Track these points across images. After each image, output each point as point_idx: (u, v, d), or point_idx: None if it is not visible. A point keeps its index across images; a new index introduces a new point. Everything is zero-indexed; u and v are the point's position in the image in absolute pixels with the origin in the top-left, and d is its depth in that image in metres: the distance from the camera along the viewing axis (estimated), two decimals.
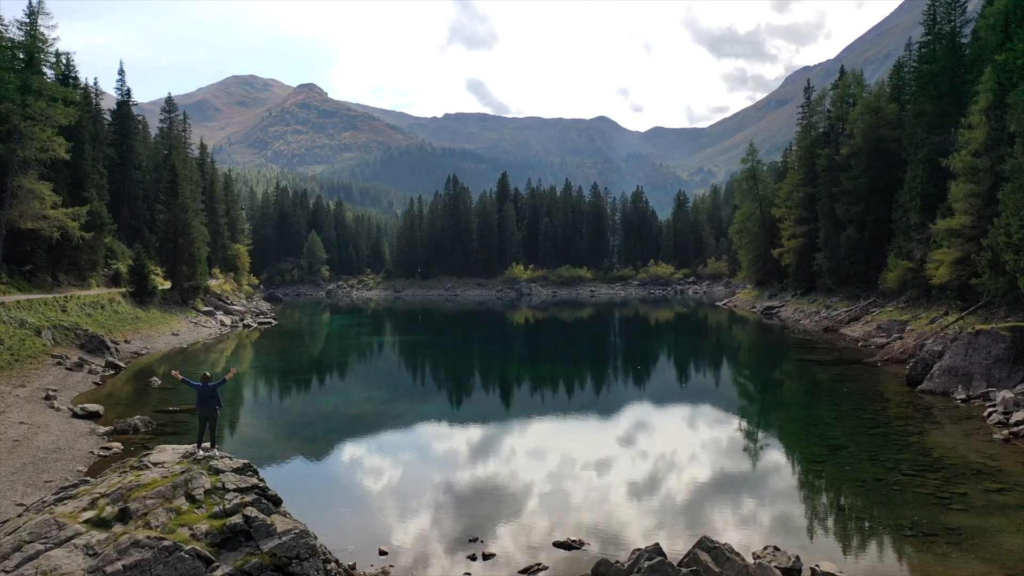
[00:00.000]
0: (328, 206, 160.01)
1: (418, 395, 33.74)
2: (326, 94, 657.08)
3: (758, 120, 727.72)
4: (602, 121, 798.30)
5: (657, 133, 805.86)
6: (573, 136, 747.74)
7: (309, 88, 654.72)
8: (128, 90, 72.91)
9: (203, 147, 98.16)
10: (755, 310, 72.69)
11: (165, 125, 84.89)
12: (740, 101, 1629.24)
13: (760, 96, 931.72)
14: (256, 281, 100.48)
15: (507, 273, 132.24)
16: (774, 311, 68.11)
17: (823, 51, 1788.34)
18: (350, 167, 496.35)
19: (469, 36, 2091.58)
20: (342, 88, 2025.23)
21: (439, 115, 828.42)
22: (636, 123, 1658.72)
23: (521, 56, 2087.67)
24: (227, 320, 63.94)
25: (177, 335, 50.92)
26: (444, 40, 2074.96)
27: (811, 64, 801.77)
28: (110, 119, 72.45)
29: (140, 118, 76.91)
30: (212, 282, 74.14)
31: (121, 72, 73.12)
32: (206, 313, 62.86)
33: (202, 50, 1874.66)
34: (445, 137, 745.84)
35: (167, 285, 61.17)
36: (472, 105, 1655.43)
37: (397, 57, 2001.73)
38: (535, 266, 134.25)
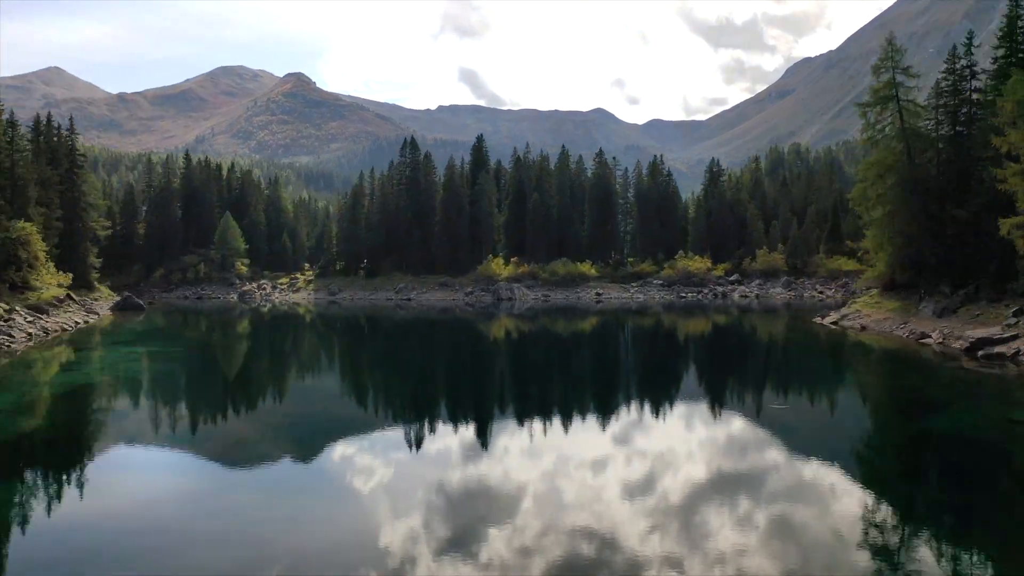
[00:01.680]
0: (259, 184, 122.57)
1: None
2: (314, 83, 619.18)
3: (759, 112, 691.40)
4: (599, 113, 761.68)
5: (655, 126, 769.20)
6: (569, 128, 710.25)
7: (297, 78, 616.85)
8: None
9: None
10: (925, 339, 35.96)
11: None
12: (738, 92, 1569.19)
13: (759, 88, 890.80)
14: (87, 279, 63.08)
15: (482, 269, 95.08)
16: (994, 349, 31.18)
17: (824, 41, 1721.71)
18: (336, 158, 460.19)
19: (462, 26, 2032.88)
20: (334, 81, 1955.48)
21: (432, 107, 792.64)
22: (633, 116, 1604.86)
23: (515, 47, 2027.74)
24: None
25: None
26: (437, 31, 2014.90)
27: (812, 55, 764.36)
28: None
29: None
30: None
31: None
32: None
33: (192, 44, 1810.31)
34: (439, 129, 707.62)
35: None
36: (466, 97, 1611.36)
37: (389, 49, 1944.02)
38: (520, 259, 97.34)
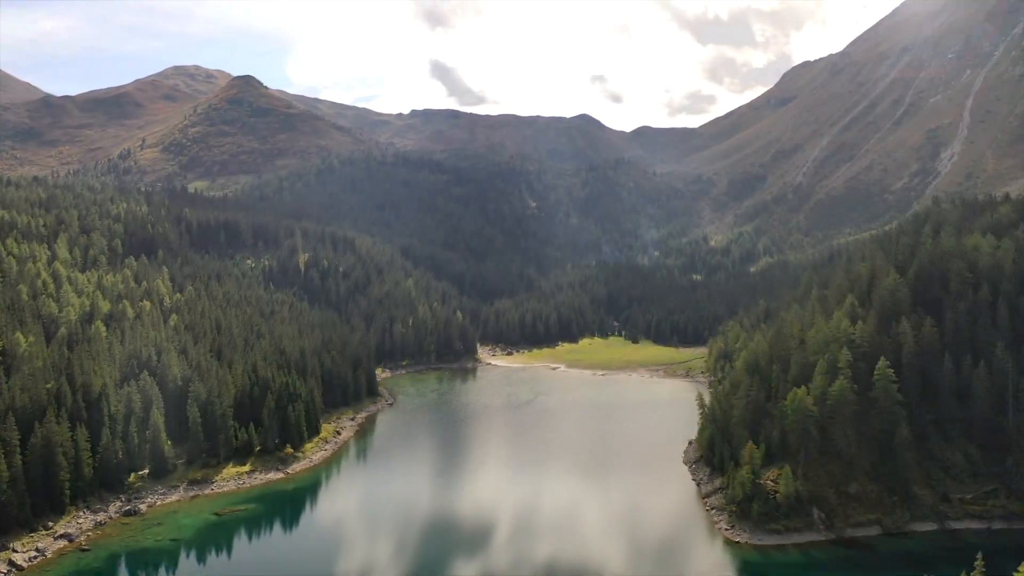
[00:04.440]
0: None
1: None
2: (264, 88, 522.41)
3: (757, 120, 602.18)
4: (584, 120, 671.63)
5: (644, 134, 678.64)
6: (552, 136, 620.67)
7: (244, 81, 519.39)
8: None
9: None
10: None
11: None
12: (726, 92, 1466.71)
13: (749, 86, 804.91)
14: None
15: None
16: None
17: (818, 38, 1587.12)
18: (278, 180, 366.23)
19: (438, 19, 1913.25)
20: (302, 80, 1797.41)
21: (405, 111, 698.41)
22: (620, 121, 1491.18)
23: (490, 38, 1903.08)
24: None
25: None
26: (410, 26, 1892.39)
27: (812, 59, 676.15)
28: None
29: None
30: None
31: None
32: None
33: (158, 39, 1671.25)
34: (410, 137, 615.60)
35: None
36: (440, 96, 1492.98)
37: (359, 43, 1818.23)
38: None
